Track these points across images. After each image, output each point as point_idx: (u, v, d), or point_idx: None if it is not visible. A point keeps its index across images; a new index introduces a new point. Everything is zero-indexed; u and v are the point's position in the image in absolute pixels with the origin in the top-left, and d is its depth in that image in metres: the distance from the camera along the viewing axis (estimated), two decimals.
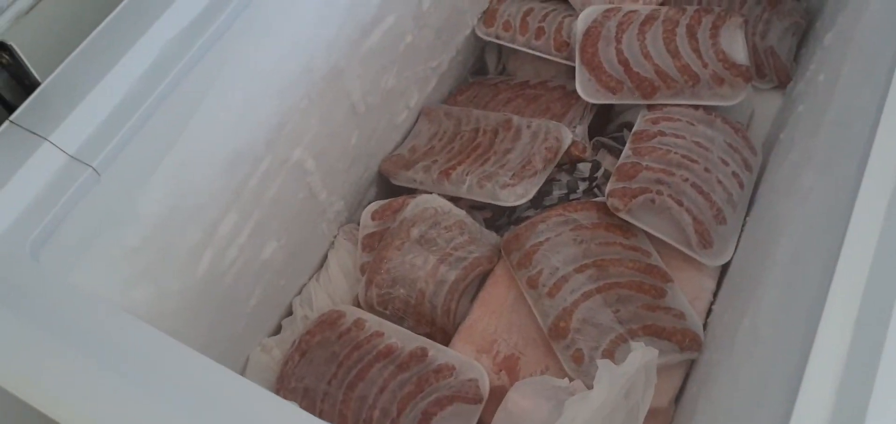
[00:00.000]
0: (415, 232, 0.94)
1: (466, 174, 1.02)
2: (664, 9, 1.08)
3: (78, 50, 0.61)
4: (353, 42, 0.85)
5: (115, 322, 0.52)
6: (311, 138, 0.86)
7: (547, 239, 0.92)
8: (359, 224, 1.01)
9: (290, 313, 0.97)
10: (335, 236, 1.01)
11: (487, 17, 1.22)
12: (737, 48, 1.03)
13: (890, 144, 0.52)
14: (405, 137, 1.16)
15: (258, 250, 0.83)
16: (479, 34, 1.22)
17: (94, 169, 0.57)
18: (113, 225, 0.60)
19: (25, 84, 0.60)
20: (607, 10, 1.10)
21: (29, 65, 0.59)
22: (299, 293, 0.98)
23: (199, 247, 0.72)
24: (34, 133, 0.56)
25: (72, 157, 0.57)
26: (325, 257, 1.01)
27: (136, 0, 0.63)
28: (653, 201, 0.92)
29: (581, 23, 1.09)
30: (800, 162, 0.72)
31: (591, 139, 1.09)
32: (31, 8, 0.59)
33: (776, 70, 1.10)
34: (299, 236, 0.91)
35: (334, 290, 0.98)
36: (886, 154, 0.52)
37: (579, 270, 0.89)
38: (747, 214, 0.93)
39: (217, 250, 0.75)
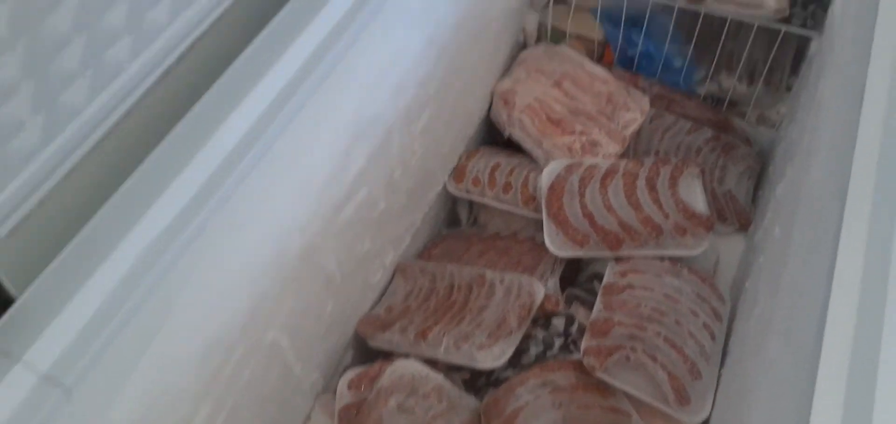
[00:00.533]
0: (392, 402, 0.94)
1: (443, 335, 1.02)
2: (623, 162, 1.14)
3: (54, 263, 0.62)
4: (327, 220, 0.87)
5: None
6: (285, 317, 0.86)
7: (526, 403, 0.92)
8: (335, 394, 1.00)
9: None
10: (311, 409, 1.00)
11: (457, 173, 1.27)
12: (696, 198, 1.08)
13: (843, 320, 0.54)
14: (381, 296, 1.17)
15: None
16: (450, 190, 1.26)
17: (66, 388, 0.57)
18: None
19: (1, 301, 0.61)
20: (570, 165, 1.15)
21: (5, 281, 0.60)
22: None
23: None
24: (6, 354, 0.56)
25: (43, 377, 0.56)
26: None
27: (112, 209, 0.65)
28: (628, 358, 0.93)
29: (545, 178, 1.14)
30: (764, 323, 0.74)
31: (563, 291, 1.11)
32: (13, 231, 0.61)
33: (737, 214, 1.14)
34: (275, 415, 0.90)
35: None
36: (840, 331, 0.54)
37: None
38: (722, 365, 0.95)
39: None
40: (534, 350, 1.03)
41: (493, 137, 1.35)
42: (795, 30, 1.13)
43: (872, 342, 0.52)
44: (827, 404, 0.51)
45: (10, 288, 0.61)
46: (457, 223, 1.35)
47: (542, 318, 1.06)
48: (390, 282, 1.19)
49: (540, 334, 1.04)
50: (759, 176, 1.22)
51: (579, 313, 1.08)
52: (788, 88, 1.22)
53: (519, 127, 1.23)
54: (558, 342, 1.04)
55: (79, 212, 0.66)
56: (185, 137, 0.68)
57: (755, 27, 1.15)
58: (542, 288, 1.05)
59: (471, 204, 1.33)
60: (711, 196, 1.15)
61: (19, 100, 0.59)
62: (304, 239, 0.84)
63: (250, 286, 0.77)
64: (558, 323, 1.05)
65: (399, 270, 1.19)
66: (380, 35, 0.83)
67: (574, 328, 1.04)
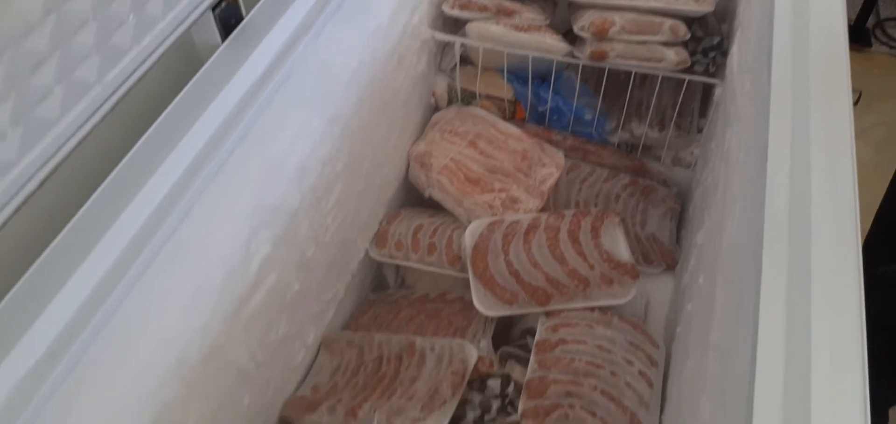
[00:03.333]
0: None
1: (374, 411, 0.97)
2: (544, 216, 1.12)
3: None
4: (230, 316, 0.81)
5: None
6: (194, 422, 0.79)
7: None
8: None
9: None
10: None
11: (379, 239, 1.22)
12: (619, 247, 1.07)
13: (770, 390, 0.53)
14: (306, 376, 1.10)
15: None
16: (373, 257, 1.21)
17: None
18: None
19: None
20: (491, 223, 1.13)
21: None
22: None
23: None
24: None
25: None
26: None
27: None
28: (566, 416, 0.90)
29: (468, 238, 1.11)
30: (696, 382, 0.73)
31: (496, 350, 1.08)
32: None
33: (662, 255, 1.14)
34: None
35: None
36: (769, 404, 0.52)
37: None
38: (661, 411, 0.93)
39: None
40: (471, 416, 0.99)
41: (414, 196, 1.32)
42: (698, 78, 1.15)
43: (803, 406, 0.51)
44: None
45: None
46: (384, 287, 1.31)
47: (478, 381, 1.02)
48: (315, 358, 1.12)
49: (476, 398, 1.00)
50: (681, 215, 1.23)
51: (515, 371, 1.05)
52: (700, 130, 1.24)
53: (438, 188, 1.20)
54: (495, 404, 1.00)
55: None
56: (62, 254, 0.61)
57: (660, 77, 1.17)
58: (474, 351, 1.01)
59: (397, 265, 1.29)
60: (635, 240, 1.14)
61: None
62: (206, 340, 0.77)
63: (149, 402, 0.70)
64: (494, 385, 1.01)
65: (324, 344, 1.13)
66: (276, 122, 0.79)
67: (510, 388, 1.01)
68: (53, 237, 0.63)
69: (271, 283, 0.89)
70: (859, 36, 2.42)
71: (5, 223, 0.59)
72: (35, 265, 0.62)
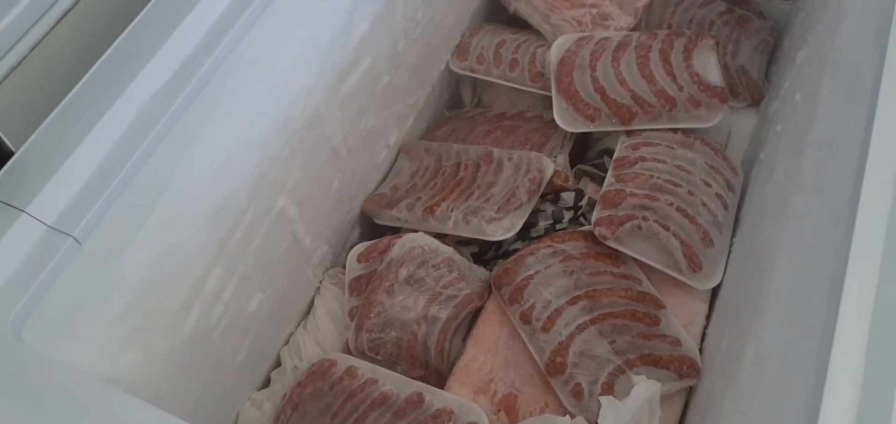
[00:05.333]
0: (403, 273, 0.93)
1: (451, 210, 1.01)
2: (636, 34, 1.10)
3: (52, 115, 0.58)
4: (331, 87, 0.84)
5: (101, 398, 0.49)
6: (293, 186, 0.84)
7: (537, 272, 0.91)
8: (345, 268, 0.99)
9: (278, 364, 0.94)
10: (321, 282, 0.99)
11: (461, 51, 1.22)
12: (710, 70, 1.05)
13: (883, 164, 0.53)
14: (386, 176, 1.15)
15: (245, 304, 0.80)
16: (454, 69, 1.22)
17: (75, 238, 0.55)
18: (97, 294, 0.58)
19: None
20: (580, 39, 1.11)
21: (1, 134, 0.57)
22: (287, 342, 0.95)
23: (186, 306, 0.70)
24: (10, 205, 0.54)
25: (51, 227, 0.54)
26: (312, 303, 0.99)
27: (110, 62, 0.61)
28: (639, 227, 0.92)
29: (555, 53, 1.10)
30: (786, 184, 0.73)
31: (572, 168, 1.09)
32: (4, 78, 0.57)
33: (749, 89, 1.12)
34: (285, 284, 0.89)
35: (323, 337, 0.96)
36: (881, 173, 0.52)
37: (572, 302, 0.88)
38: (733, 235, 0.94)
39: (204, 308, 0.72)
40: (543, 224, 1.02)
41: (496, 14, 1.30)
42: None
43: None
44: (866, 246, 0.50)
45: (7, 140, 0.58)
46: (460, 105, 1.32)
47: (552, 193, 1.04)
48: (395, 162, 1.16)
49: (549, 208, 1.03)
50: (773, 51, 1.18)
51: (589, 188, 1.07)
52: None
53: (525, 1, 1.18)
54: (568, 215, 1.03)
55: (75, 63, 0.62)
56: None
57: None
58: (551, 164, 1.03)
59: (474, 84, 1.29)
60: (724, 70, 1.11)
61: None
62: (309, 105, 0.81)
63: (257, 150, 0.75)
64: (568, 198, 1.04)
65: (403, 150, 1.17)
66: None
67: (584, 202, 1.03)
68: None
69: (366, 66, 0.91)
70: None
71: None
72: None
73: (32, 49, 0.59)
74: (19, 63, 0.58)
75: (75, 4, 0.61)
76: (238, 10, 0.66)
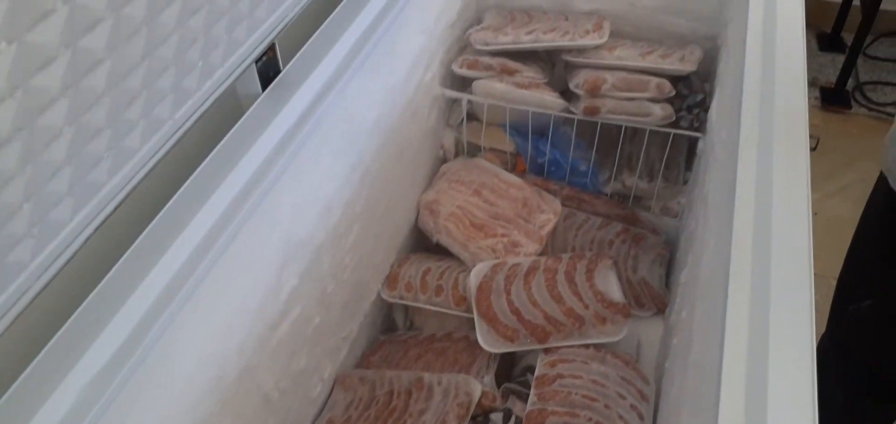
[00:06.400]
0: None
1: None
2: (543, 259, 1.21)
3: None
4: (262, 340, 0.89)
5: None
6: None
7: None
8: None
9: None
10: None
11: (390, 281, 1.31)
12: (612, 287, 1.16)
13: (733, 394, 0.61)
14: (321, 411, 1.17)
15: None
16: (384, 297, 1.30)
17: None
18: None
19: None
20: (495, 265, 1.22)
21: None
22: None
23: None
24: None
25: None
26: None
27: (52, 351, 0.65)
28: None
29: (473, 279, 1.20)
30: (678, 402, 0.81)
31: (499, 386, 1.15)
32: None
33: (653, 298, 1.23)
34: None
35: None
36: (731, 405, 0.60)
37: None
38: None
39: None
40: None
41: (422, 242, 1.42)
42: (682, 132, 1.27)
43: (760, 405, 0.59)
44: None
45: None
46: (393, 328, 1.39)
47: (481, 415, 1.09)
48: (330, 395, 1.20)
49: None
50: (670, 262, 1.32)
51: (516, 406, 1.12)
52: (685, 182, 1.35)
53: (445, 233, 1.30)
54: None
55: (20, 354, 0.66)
56: (121, 277, 0.70)
57: (648, 131, 1.28)
58: (478, 386, 1.09)
59: (406, 308, 1.37)
60: (627, 284, 1.23)
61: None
62: (241, 360, 0.86)
63: (190, 414, 0.78)
64: (496, 419, 1.09)
65: (338, 381, 1.21)
66: (308, 165, 0.89)
67: (512, 422, 1.08)
68: (111, 267, 0.72)
69: (296, 315, 0.97)
70: (840, 98, 2.56)
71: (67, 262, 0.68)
72: (95, 291, 0.70)
73: None
74: None
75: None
76: (175, 289, 0.73)
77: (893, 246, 1.09)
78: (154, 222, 0.75)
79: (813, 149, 0.80)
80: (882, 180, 1.07)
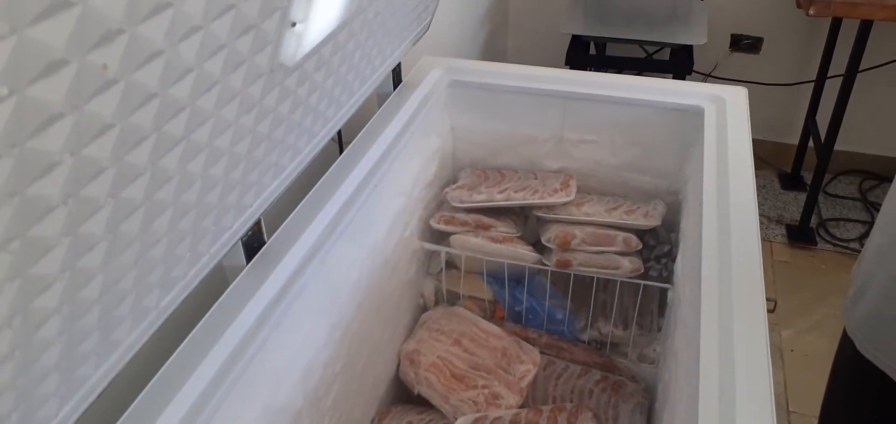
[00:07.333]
0: None
1: None
2: (524, 412, 1.22)
3: None
4: None
5: None
6: None
7: None
8: None
9: None
10: None
11: None
12: None
13: None
14: None
15: None
16: None
17: None
18: None
19: None
20: (477, 419, 1.22)
21: None
22: None
23: None
24: None
25: None
26: None
27: None
28: None
29: None
30: None
31: None
32: None
33: None
34: None
35: None
36: None
37: None
38: None
39: None
40: None
41: (403, 394, 1.41)
42: (650, 284, 1.32)
43: None
44: None
45: None
46: None
47: None
48: None
49: None
50: (650, 409, 1.33)
51: None
52: (659, 329, 1.38)
53: (426, 385, 1.30)
54: None
55: None
56: None
57: (618, 282, 1.33)
58: None
59: None
60: None
61: None
62: None
63: None
64: None
65: None
66: (289, 332, 0.92)
67: None
68: None
69: None
70: (805, 236, 2.66)
71: None
72: None
73: None
74: None
75: None
76: None
77: (863, 419, 1.09)
78: (136, 402, 0.76)
79: (771, 311, 0.85)
80: (847, 341, 1.07)
